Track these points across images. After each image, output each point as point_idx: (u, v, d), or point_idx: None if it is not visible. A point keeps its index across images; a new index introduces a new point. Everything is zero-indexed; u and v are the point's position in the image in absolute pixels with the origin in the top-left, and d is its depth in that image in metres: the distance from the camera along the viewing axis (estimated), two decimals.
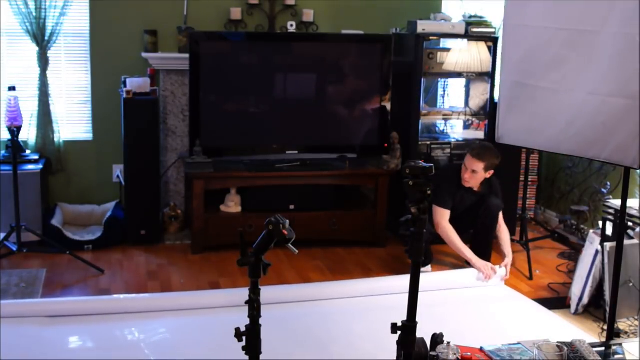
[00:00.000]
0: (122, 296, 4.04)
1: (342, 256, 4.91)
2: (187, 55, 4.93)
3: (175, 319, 3.75)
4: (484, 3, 5.48)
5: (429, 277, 4.28)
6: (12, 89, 4.48)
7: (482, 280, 4.24)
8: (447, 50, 5.17)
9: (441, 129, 5.44)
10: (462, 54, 5.15)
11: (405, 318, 2.41)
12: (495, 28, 5.20)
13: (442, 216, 4.42)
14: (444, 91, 5.53)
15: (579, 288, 4.01)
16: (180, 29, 5.17)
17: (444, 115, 5.37)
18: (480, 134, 5.32)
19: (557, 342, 2.49)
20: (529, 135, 3.15)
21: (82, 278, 4.30)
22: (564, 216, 5.43)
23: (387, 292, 4.06)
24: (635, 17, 2.63)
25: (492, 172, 4.43)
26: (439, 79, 5.43)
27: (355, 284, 4.26)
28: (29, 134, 5.09)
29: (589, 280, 3.95)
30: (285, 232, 2.23)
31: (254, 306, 2.28)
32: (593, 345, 2.67)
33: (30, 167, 4.87)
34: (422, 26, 5.04)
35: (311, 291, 4.14)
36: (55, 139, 5.12)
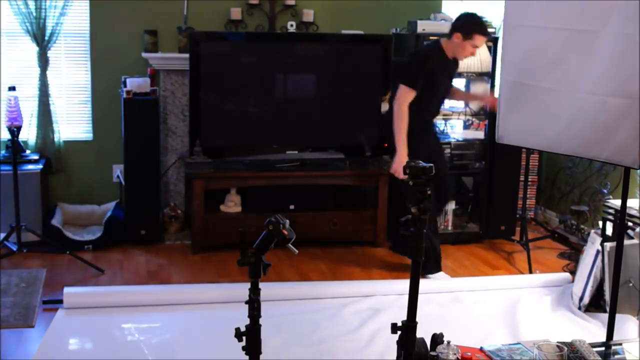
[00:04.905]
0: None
1: (342, 256, 4.90)
2: (187, 55, 4.93)
3: (174, 313, 3.77)
4: (484, 3, 5.48)
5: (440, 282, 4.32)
6: (12, 89, 4.48)
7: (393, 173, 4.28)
8: None
9: (441, 129, 5.43)
10: None
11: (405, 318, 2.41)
12: (495, 28, 5.20)
13: (406, 95, 4.22)
14: None
15: (580, 287, 4.01)
16: (180, 29, 5.17)
17: (444, 115, 5.36)
18: (480, 134, 5.32)
19: (557, 342, 2.49)
20: (529, 135, 3.15)
21: (82, 278, 4.30)
22: (564, 216, 5.43)
23: (389, 293, 4.08)
24: (636, 17, 2.63)
25: None
26: None
27: (357, 285, 4.28)
28: (29, 134, 5.09)
29: (589, 280, 3.95)
30: (285, 232, 2.23)
31: (254, 306, 2.28)
32: (593, 345, 2.67)
33: (30, 167, 4.87)
34: (422, 26, 5.03)
35: (311, 289, 4.16)
36: (55, 139, 5.12)
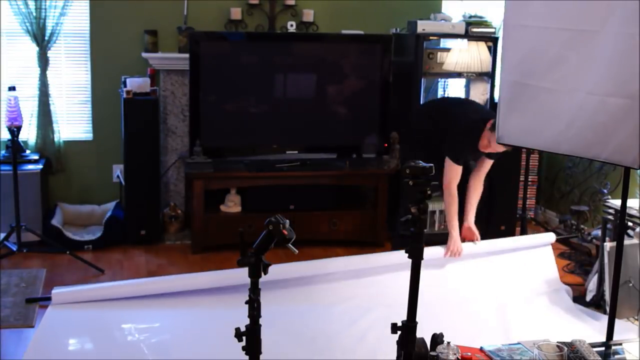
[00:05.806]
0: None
1: (342, 256, 4.89)
2: (187, 55, 4.93)
3: (174, 313, 3.76)
4: (484, 3, 5.48)
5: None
6: (12, 89, 4.49)
7: (445, 256, 4.07)
8: (447, 50, 5.17)
9: None
10: (462, 54, 5.14)
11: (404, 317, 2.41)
12: (495, 28, 5.20)
13: (455, 175, 4.06)
14: (444, 91, 5.52)
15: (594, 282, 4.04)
16: (180, 29, 5.17)
17: None
18: None
19: (557, 342, 2.49)
20: (529, 135, 3.15)
21: (82, 278, 4.30)
22: (564, 216, 5.43)
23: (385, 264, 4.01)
24: (635, 17, 2.63)
25: None
26: (439, 79, 5.42)
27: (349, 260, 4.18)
28: (29, 134, 5.09)
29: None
30: (285, 232, 2.23)
31: (254, 306, 2.28)
32: (593, 345, 2.67)
33: (30, 167, 4.87)
34: (422, 26, 5.04)
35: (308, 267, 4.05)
36: (55, 139, 5.12)
